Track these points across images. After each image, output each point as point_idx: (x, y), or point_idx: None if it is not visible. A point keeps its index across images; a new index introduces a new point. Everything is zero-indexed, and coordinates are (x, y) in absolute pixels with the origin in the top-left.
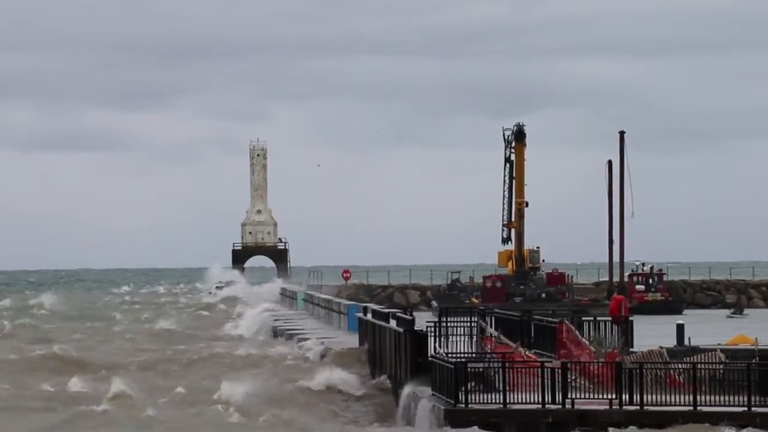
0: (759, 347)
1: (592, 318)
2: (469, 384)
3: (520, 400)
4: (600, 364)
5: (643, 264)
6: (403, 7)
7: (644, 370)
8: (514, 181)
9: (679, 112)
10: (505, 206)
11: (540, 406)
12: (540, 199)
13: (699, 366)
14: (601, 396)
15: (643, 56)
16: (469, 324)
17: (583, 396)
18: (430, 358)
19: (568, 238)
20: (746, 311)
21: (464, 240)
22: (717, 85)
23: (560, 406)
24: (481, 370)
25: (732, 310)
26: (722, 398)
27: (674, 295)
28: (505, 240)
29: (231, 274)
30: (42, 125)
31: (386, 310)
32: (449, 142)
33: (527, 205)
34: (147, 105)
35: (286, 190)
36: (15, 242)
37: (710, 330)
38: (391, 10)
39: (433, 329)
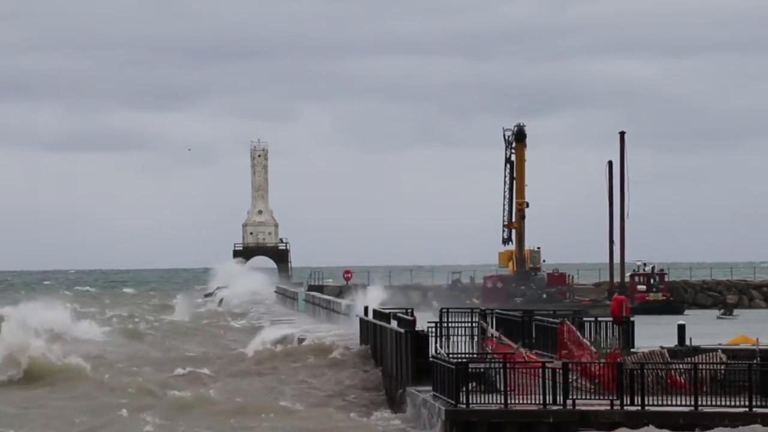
0: (760, 347)
1: (593, 318)
2: (470, 384)
3: (521, 401)
4: (601, 364)
5: (645, 264)
6: (428, 8)
7: (645, 371)
8: (514, 182)
9: (685, 113)
10: (506, 207)
11: (541, 406)
12: (553, 199)
13: (700, 366)
14: (602, 397)
15: (671, 56)
16: (470, 324)
17: (584, 397)
18: (431, 359)
19: (569, 239)
20: (736, 312)
21: (466, 240)
22: (734, 85)
23: (561, 407)
24: (482, 370)
25: (722, 311)
26: (723, 399)
27: (675, 296)
28: (506, 240)
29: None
30: (67, 125)
31: (387, 311)
32: (460, 142)
33: (527, 205)
34: (173, 105)
35: (289, 190)
36: (37, 241)
37: (711, 330)
38: (417, 11)
39: (434, 330)
